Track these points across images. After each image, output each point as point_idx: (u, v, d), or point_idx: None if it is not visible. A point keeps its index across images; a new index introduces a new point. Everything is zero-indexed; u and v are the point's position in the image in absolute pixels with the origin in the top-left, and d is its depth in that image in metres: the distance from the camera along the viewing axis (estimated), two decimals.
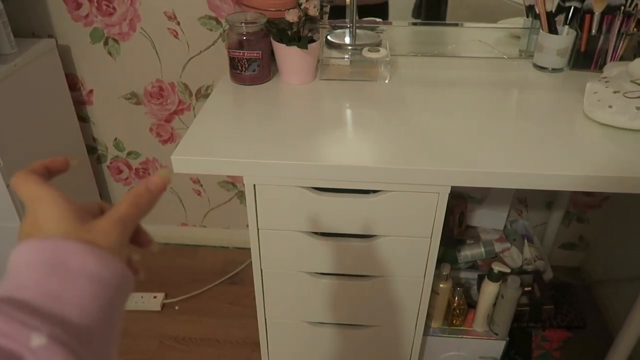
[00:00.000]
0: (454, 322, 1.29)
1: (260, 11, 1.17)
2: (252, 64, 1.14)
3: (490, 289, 1.21)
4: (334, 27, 1.32)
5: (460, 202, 1.47)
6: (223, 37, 1.47)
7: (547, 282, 1.38)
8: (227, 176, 1.77)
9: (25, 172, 0.36)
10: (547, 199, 1.69)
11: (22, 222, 0.35)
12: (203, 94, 1.59)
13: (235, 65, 1.15)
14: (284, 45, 1.11)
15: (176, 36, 1.48)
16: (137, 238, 0.41)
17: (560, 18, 1.23)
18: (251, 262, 1.06)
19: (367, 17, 1.36)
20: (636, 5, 1.19)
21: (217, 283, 1.77)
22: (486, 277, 1.22)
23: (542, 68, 1.25)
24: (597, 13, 1.19)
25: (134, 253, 0.41)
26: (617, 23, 1.18)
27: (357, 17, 1.35)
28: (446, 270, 1.21)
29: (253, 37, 1.12)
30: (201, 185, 1.80)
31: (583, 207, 1.70)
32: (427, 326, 1.27)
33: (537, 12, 1.21)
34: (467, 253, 1.39)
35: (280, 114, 1.06)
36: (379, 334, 1.18)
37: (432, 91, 1.15)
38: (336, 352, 1.23)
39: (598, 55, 1.23)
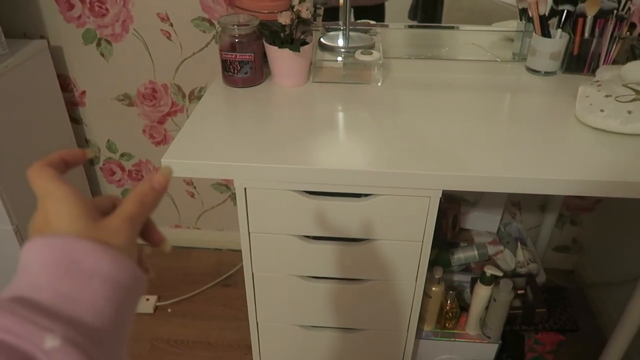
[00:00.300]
0: (447, 325, 1.29)
1: (253, 13, 1.16)
2: (244, 66, 1.13)
3: (482, 292, 1.21)
4: (328, 30, 1.32)
5: (454, 204, 1.47)
6: (216, 38, 1.47)
7: (540, 285, 1.38)
8: (221, 178, 1.76)
9: (41, 164, 0.35)
10: (541, 202, 1.69)
11: (34, 217, 0.34)
12: (196, 96, 1.59)
13: (227, 68, 1.15)
14: (277, 47, 1.11)
15: (169, 38, 1.48)
16: (150, 237, 0.41)
17: (553, 21, 1.23)
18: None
19: (363, 18, 1.36)
20: (629, 9, 1.20)
21: (210, 285, 1.77)
22: (479, 281, 1.22)
23: (535, 71, 1.25)
24: (589, 17, 1.19)
25: (144, 250, 0.40)
26: (610, 27, 1.18)
27: (352, 19, 1.35)
28: (438, 273, 1.21)
29: (245, 39, 1.11)
30: (194, 187, 1.80)
31: (576, 210, 1.71)
32: (419, 329, 1.27)
33: (530, 15, 1.21)
34: (461, 256, 1.39)
35: (272, 116, 1.05)
36: (371, 337, 1.18)
37: (425, 94, 1.15)
38: (328, 355, 1.22)
39: (591, 59, 1.23)
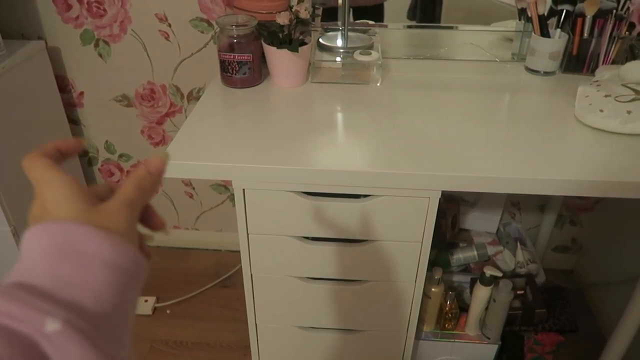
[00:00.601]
0: (446, 326, 1.29)
1: (251, 13, 1.16)
2: (242, 66, 1.13)
3: (482, 293, 1.21)
4: (326, 30, 1.31)
5: (453, 205, 1.47)
6: (214, 39, 1.46)
7: (539, 286, 1.37)
8: (219, 179, 1.75)
9: (37, 154, 0.35)
10: (540, 202, 1.69)
11: (32, 206, 0.34)
12: (195, 97, 1.58)
13: (225, 68, 1.14)
14: (275, 48, 1.11)
15: (167, 38, 1.47)
16: (149, 221, 0.40)
17: (552, 21, 1.23)
18: None
19: (362, 18, 1.36)
20: (628, 8, 1.19)
21: (209, 286, 1.76)
22: (478, 281, 1.21)
23: (534, 71, 1.25)
24: (589, 16, 1.18)
25: (145, 235, 0.40)
26: (609, 26, 1.18)
27: (352, 19, 1.35)
28: (438, 274, 1.20)
29: (244, 39, 1.11)
30: (193, 188, 1.79)
31: (576, 210, 1.70)
32: (419, 330, 1.27)
33: (530, 15, 1.21)
34: (460, 256, 1.39)
35: (270, 117, 1.05)
36: (370, 338, 1.17)
37: (424, 94, 1.15)
38: (327, 356, 1.22)
39: (590, 59, 1.23)
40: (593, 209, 1.69)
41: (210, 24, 1.44)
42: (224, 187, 1.78)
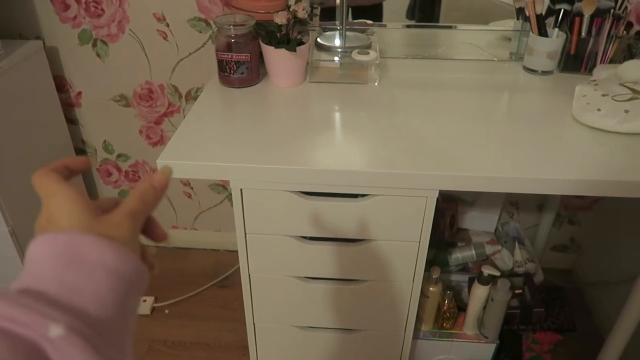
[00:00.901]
0: (444, 325, 1.29)
1: (249, 13, 1.16)
2: (240, 66, 1.13)
3: (480, 292, 1.21)
4: (324, 29, 1.31)
5: (452, 204, 1.47)
6: (213, 39, 1.46)
7: (537, 285, 1.37)
8: (217, 179, 1.75)
9: (46, 170, 0.37)
10: (539, 201, 1.69)
11: (38, 219, 0.35)
12: (193, 96, 1.58)
13: (223, 68, 1.14)
14: (273, 47, 1.11)
15: (165, 38, 1.47)
16: (152, 233, 0.42)
17: (550, 21, 1.23)
18: None
19: (361, 18, 1.36)
20: (625, 8, 1.20)
21: (208, 286, 1.76)
22: (476, 281, 1.21)
23: (532, 71, 1.25)
24: (586, 16, 1.19)
25: (147, 246, 0.41)
26: (607, 26, 1.18)
27: (351, 19, 1.35)
28: (436, 273, 1.20)
29: (241, 39, 1.11)
30: (192, 188, 1.79)
31: (574, 209, 1.71)
32: (417, 329, 1.27)
33: (527, 14, 1.21)
34: (458, 255, 1.39)
35: (268, 117, 1.05)
36: (368, 337, 1.17)
37: (422, 94, 1.15)
38: (326, 356, 1.22)
39: (588, 58, 1.23)
40: (591, 208, 1.69)
41: (208, 24, 1.44)
42: (223, 187, 1.78)
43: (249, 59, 1.13)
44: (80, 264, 0.31)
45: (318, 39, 1.25)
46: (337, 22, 1.26)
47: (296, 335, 1.18)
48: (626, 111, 0.97)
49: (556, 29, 1.21)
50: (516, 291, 1.31)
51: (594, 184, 0.86)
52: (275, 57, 1.13)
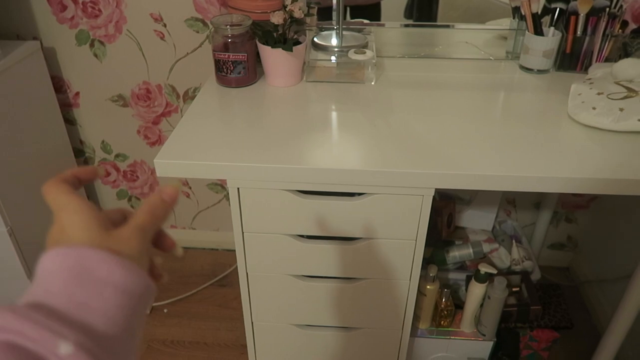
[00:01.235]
0: (442, 323, 1.29)
1: (246, 13, 1.16)
2: (237, 66, 1.13)
3: (477, 290, 1.21)
4: (321, 29, 1.32)
5: (449, 203, 1.47)
6: (210, 39, 1.46)
7: (534, 283, 1.38)
8: (214, 178, 1.76)
9: (55, 180, 0.37)
10: (536, 200, 1.70)
11: (50, 230, 0.36)
12: (190, 96, 1.58)
13: (220, 68, 1.14)
14: (270, 47, 1.11)
15: (162, 38, 1.47)
16: (161, 243, 0.42)
17: (546, 19, 1.23)
18: None
19: (359, 17, 1.36)
20: (621, 6, 1.20)
21: (206, 285, 1.77)
22: (473, 279, 1.22)
23: (528, 69, 1.26)
24: (582, 15, 1.19)
25: (156, 256, 0.42)
26: (602, 24, 1.19)
27: (348, 18, 1.35)
28: (433, 271, 1.21)
29: (238, 39, 1.11)
30: (190, 187, 1.80)
31: (571, 207, 1.71)
32: (414, 327, 1.27)
33: (523, 13, 1.21)
34: (456, 254, 1.40)
35: (265, 116, 1.05)
36: (366, 336, 1.18)
37: (418, 93, 1.15)
38: (324, 354, 1.22)
39: (583, 57, 1.24)
40: (588, 206, 1.70)
41: (205, 24, 1.44)
42: (221, 186, 1.78)
43: (245, 59, 1.13)
44: (90, 280, 0.31)
45: (315, 39, 1.25)
46: (334, 22, 1.27)
47: (294, 333, 1.18)
48: (621, 109, 0.97)
49: (552, 28, 1.21)
50: (513, 289, 1.31)
51: (589, 182, 0.86)
52: (272, 57, 1.13)
